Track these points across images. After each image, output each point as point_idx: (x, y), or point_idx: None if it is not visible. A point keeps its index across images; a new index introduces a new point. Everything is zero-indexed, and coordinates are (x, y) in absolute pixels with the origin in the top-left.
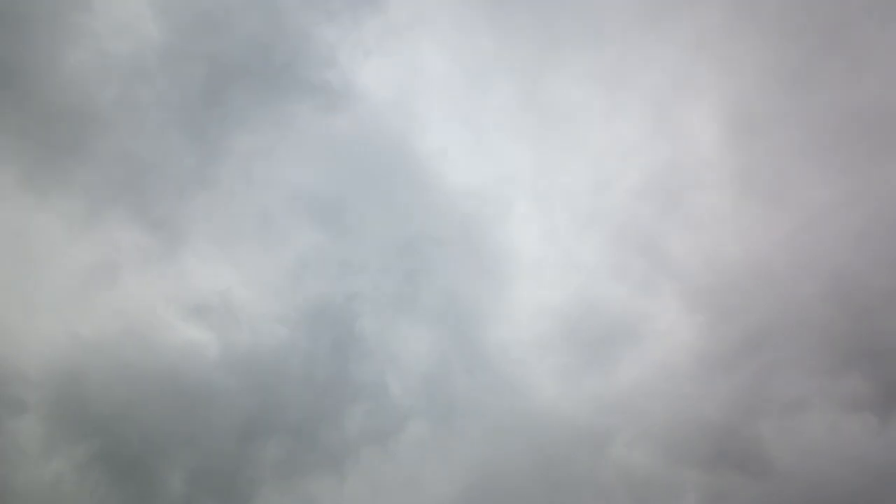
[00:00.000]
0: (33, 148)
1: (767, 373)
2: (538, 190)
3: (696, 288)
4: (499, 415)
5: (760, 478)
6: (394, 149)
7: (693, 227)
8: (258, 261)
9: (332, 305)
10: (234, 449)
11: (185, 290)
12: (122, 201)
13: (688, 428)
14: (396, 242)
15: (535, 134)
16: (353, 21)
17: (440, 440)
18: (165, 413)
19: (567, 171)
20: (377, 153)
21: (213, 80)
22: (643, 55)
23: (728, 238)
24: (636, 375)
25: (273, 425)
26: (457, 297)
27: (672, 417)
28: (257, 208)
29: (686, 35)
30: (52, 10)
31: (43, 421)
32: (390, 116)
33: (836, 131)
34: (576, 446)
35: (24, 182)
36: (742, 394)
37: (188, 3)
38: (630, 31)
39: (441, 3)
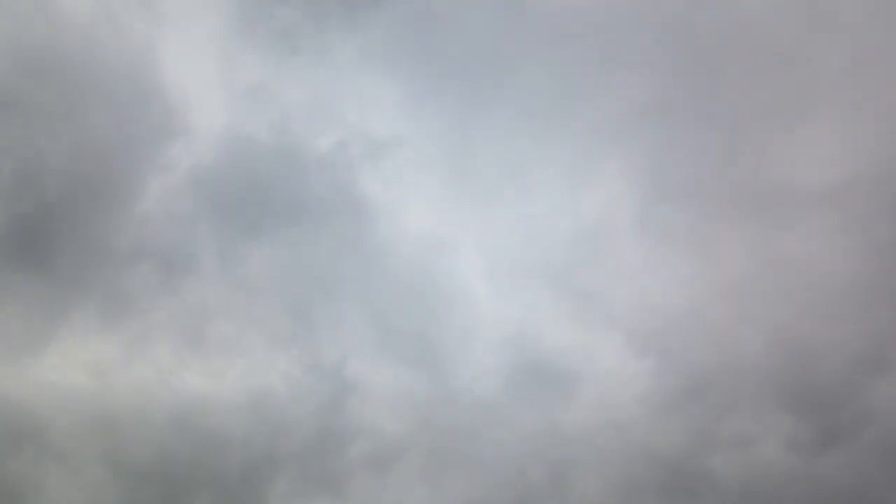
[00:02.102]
0: (106, 288)
1: (715, 412)
2: (485, 248)
3: (639, 333)
4: (479, 445)
5: None
6: (371, 229)
7: (627, 278)
8: (267, 323)
9: (328, 357)
10: (246, 483)
11: (205, 349)
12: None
13: (643, 460)
14: (375, 303)
15: (477, 199)
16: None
17: (431, 469)
18: (188, 456)
19: (507, 228)
20: (360, 233)
21: (250, 219)
22: (570, 126)
23: (663, 289)
24: (592, 412)
25: (280, 461)
26: (429, 342)
27: (628, 451)
28: (266, 282)
29: (609, 109)
30: (128, 175)
31: (78, 467)
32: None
33: (750, 203)
34: (540, 475)
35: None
36: (692, 430)
37: (233, 174)
38: (559, 101)
39: (391, 89)
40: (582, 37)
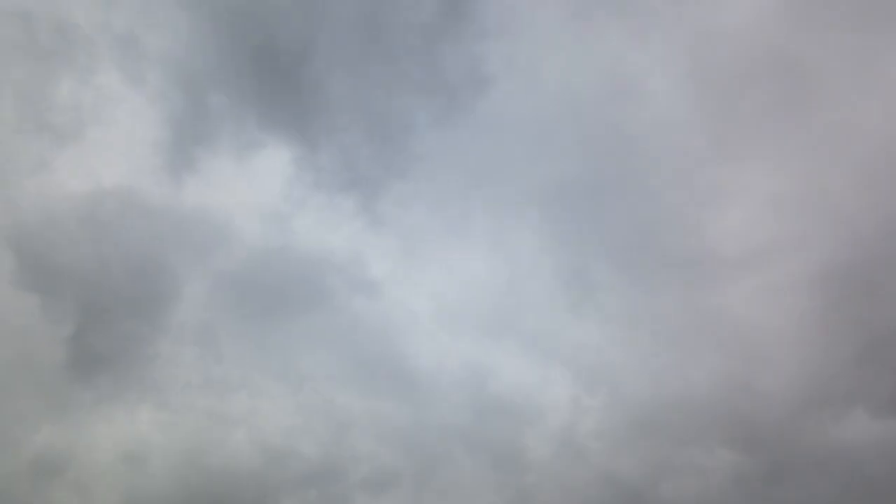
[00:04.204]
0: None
1: (667, 445)
2: (436, 299)
3: (585, 371)
4: (456, 470)
5: None
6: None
7: (564, 322)
8: (271, 376)
9: (323, 398)
10: None
11: (218, 395)
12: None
13: (602, 486)
14: (358, 353)
15: (425, 260)
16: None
17: (419, 491)
18: (203, 488)
19: (452, 281)
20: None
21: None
22: (503, 194)
23: (601, 333)
24: (551, 442)
25: (286, 489)
26: (404, 379)
27: (587, 477)
28: (273, 351)
29: (541, 180)
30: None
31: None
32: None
33: (677, 266)
34: (510, 498)
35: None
36: (646, 460)
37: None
38: (494, 173)
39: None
40: (515, 123)
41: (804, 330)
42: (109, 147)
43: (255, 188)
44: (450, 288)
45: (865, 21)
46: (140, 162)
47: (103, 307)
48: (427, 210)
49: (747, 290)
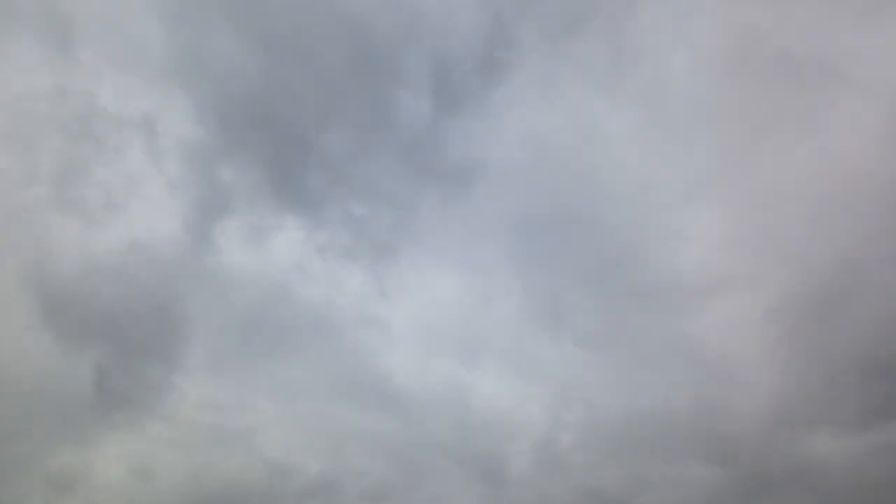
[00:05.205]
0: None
1: (646, 459)
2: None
3: (560, 388)
4: (445, 484)
5: None
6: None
7: (536, 343)
8: (271, 394)
9: (321, 415)
10: None
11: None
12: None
13: (585, 498)
14: (353, 377)
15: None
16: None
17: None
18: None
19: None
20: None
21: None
22: (473, 227)
23: (575, 350)
24: (531, 455)
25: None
26: (398, 399)
27: (570, 490)
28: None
29: (510, 217)
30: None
31: None
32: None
33: (646, 294)
34: None
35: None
36: (626, 473)
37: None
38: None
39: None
40: (491, 168)
41: (768, 355)
42: (135, 218)
43: (263, 253)
44: (432, 313)
45: (802, 74)
46: (162, 231)
47: (124, 349)
48: (411, 243)
49: (711, 317)
